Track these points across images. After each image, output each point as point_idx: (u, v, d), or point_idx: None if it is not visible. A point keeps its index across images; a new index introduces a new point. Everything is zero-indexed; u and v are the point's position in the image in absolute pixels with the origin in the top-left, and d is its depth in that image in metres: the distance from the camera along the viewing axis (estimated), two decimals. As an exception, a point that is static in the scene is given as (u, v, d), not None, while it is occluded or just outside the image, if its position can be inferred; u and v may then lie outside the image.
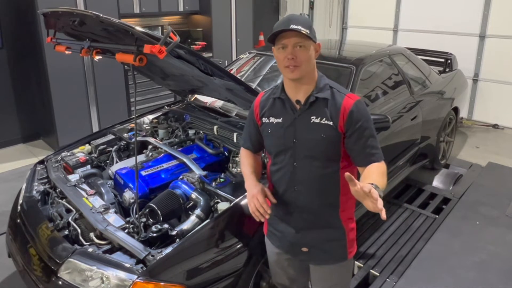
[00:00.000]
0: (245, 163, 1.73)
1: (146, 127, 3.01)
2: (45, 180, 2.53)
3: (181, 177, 2.31)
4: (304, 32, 1.40)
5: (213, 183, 2.23)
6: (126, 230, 1.95)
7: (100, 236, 1.96)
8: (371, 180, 1.35)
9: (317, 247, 1.62)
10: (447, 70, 4.38)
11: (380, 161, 1.49)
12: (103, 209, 2.07)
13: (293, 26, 1.40)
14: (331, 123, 1.48)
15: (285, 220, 1.64)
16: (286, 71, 1.47)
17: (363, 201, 1.24)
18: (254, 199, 1.53)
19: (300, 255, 1.66)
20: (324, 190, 1.55)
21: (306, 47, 1.44)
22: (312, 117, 1.50)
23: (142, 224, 1.98)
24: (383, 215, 1.23)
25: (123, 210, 2.29)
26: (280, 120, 1.55)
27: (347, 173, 1.21)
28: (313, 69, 1.52)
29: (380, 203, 1.23)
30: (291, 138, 1.53)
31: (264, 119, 1.60)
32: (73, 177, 2.42)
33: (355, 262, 2.65)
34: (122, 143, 2.85)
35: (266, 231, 1.78)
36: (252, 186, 1.60)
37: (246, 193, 2.03)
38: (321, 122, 1.48)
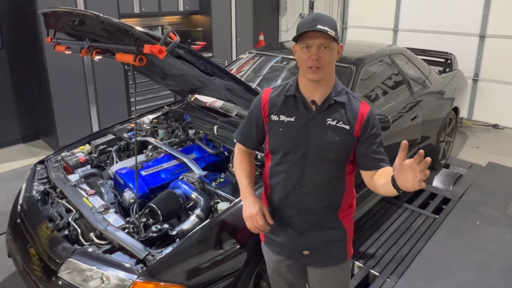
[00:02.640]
0: (240, 168, 1.66)
1: (146, 127, 3.01)
2: (45, 180, 2.53)
3: (181, 177, 2.31)
4: (330, 33, 1.37)
5: (213, 183, 2.23)
6: (126, 230, 1.95)
7: (100, 236, 1.96)
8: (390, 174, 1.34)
9: (318, 249, 1.62)
10: (447, 70, 4.38)
11: (389, 166, 1.49)
12: (103, 209, 2.07)
13: (319, 27, 1.36)
14: (347, 127, 1.48)
15: (287, 223, 1.61)
16: (309, 72, 1.43)
17: (406, 176, 1.23)
18: (254, 220, 1.51)
19: (301, 259, 1.65)
20: (330, 193, 1.55)
21: (331, 48, 1.41)
22: (328, 119, 1.48)
23: (142, 224, 1.99)
24: (423, 185, 1.21)
25: (123, 210, 2.29)
26: (292, 119, 1.52)
27: (404, 141, 1.21)
28: (333, 71, 1.50)
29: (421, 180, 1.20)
30: (304, 139, 1.50)
31: (273, 117, 1.55)
32: (73, 177, 2.42)
33: (355, 262, 2.66)
34: (122, 143, 2.85)
35: (263, 239, 1.74)
36: (250, 203, 1.55)
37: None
38: (337, 125, 1.48)
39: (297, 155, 1.52)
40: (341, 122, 1.48)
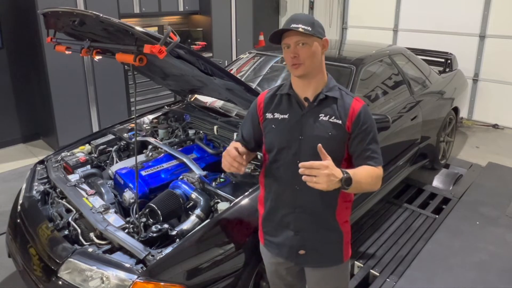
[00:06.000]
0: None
1: (146, 127, 3.01)
2: (45, 180, 2.53)
3: (181, 177, 2.31)
4: (301, 30, 1.41)
5: (213, 183, 2.23)
6: (126, 230, 1.95)
7: (100, 236, 1.96)
8: (356, 171, 1.41)
9: (314, 249, 1.61)
10: (447, 70, 4.38)
11: (378, 166, 1.51)
12: (103, 209, 2.07)
13: (293, 26, 1.43)
14: (340, 121, 1.49)
15: (283, 222, 1.61)
16: (292, 69, 1.49)
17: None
18: (225, 154, 1.48)
19: (297, 259, 1.65)
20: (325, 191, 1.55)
21: (309, 44, 1.45)
22: (320, 115, 1.50)
23: (142, 224, 1.99)
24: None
25: (123, 210, 2.29)
26: (286, 116, 1.55)
27: (319, 145, 1.32)
28: (320, 66, 1.52)
29: (306, 167, 1.31)
30: (297, 135, 1.52)
31: (268, 115, 1.59)
32: (73, 177, 2.42)
33: (355, 262, 2.66)
34: (122, 143, 2.85)
35: (262, 240, 1.73)
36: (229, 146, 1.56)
37: (246, 193, 2.05)
38: (330, 120, 1.49)
39: (291, 152, 1.53)
40: (333, 117, 1.49)
